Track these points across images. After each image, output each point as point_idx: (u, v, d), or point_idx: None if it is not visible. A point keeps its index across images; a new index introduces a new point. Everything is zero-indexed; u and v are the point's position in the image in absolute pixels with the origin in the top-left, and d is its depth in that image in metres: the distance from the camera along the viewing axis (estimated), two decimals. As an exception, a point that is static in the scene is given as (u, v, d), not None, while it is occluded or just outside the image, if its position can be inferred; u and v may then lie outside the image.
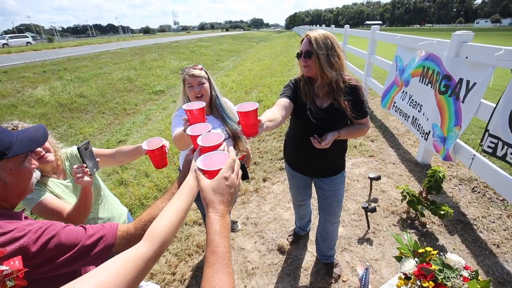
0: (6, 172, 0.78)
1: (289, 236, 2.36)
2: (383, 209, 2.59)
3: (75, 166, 1.17)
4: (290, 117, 1.64)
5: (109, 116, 6.99)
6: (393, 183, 2.98)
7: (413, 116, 3.22)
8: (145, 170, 3.76)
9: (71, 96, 7.74)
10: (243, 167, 2.19)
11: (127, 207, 2.98)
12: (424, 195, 2.33)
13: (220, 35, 45.13)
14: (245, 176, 2.22)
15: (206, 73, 1.65)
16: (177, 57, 15.23)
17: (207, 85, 1.64)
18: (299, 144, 1.67)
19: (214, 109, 1.76)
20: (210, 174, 0.68)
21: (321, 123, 1.47)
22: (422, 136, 2.97)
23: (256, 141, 4.36)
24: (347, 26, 7.79)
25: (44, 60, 12.86)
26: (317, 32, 1.39)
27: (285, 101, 1.45)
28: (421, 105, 3.06)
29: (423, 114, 2.99)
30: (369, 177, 2.72)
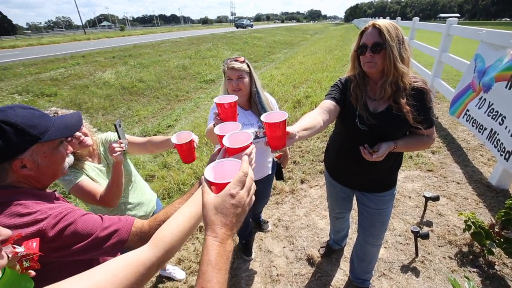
0: (39, 155, 0.80)
1: (321, 247, 2.18)
2: (438, 236, 2.21)
3: (113, 143, 1.24)
4: (337, 119, 1.45)
5: (162, 101, 7.46)
6: (454, 207, 2.53)
7: (491, 129, 2.67)
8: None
9: (132, 80, 8.46)
10: (279, 167, 2.07)
11: (166, 191, 3.13)
12: (496, 229, 1.89)
13: (274, 26, 44.74)
14: (279, 176, 2.10)
15: (248, 66, 1.55)
16: (230, 47, 15.52)
17: (247, 79, 1.53)
18: (343, 152, 1.47)
19: (253, 105, 1.65)
20: (218, 187, 0.57)
21: (373, 130, 1.25)
22: (501, 155, 2.44)
23: (298, 139, 4.16)
24: (416, 18, 6.90)
25: (114, 47, 14.36)
26: (385, 21, 1.16)
27: (330, 103, 1.26)
28: (504, 117, 2.51)
29: (506, 128, 2.45)
30: (424, 196, 2.34)
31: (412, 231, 1.95)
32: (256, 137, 1.47)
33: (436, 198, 2.30)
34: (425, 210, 2.43)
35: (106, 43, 17.99)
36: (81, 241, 0.77)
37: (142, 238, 0.82)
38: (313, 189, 2.96)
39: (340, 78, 1.39)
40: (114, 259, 0.61)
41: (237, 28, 38.87)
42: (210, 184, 0.58)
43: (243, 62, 1.52)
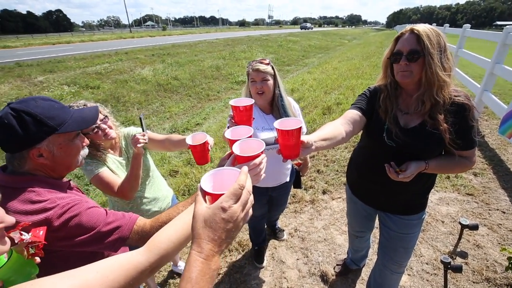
0: (55, 146, 0.83)
1: (337, 265, 2.05)
2: (473, 270, 1.96)
3: (137, 134, 1.30)
4: (362, 132, 1.34)
5: (193, 100, 7.70)
6: (496, 239, 2.23)
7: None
8: (211, 155, 3.95)
9: (167, 77, 8.85)
10: (298, 175, 1.99)
11: (187, 187, 3.19)
12: (547, 271, 1.63)
13: (312, 30, 44.18)
14: (297, 185, 2.01)
15: (273, 68, 1.50)
16: (264, 50, 15.60)
17: (271, 82, 1.49)
18: (367, 168, 1.36)
19: (275, 109, 1.60)
20: (213, 198, 0.53)
21: (402, 148, 1.14)
22: (560, 185, 2.11)
23: (324, 147, 4.01)
24: (466, 25, 6.32)
25: (155, 45, 15.18)
26: (425, 26, 1.05)
27: (355, 113, 1.16)
28: None
29: None
30: (460, 223, 2.10)
31: (442, 261, 1.75)
32: (272, 143, 1.42)
33: (474, 227, 2.05)
34: (459, 239, 2.17)
35: (148, 41, 19.11)
36: (84, 233, 0.78)
37: (143, 237, 0.82)
38: (335, 201, 2.82)
39: (369, 87, 1.28)
40: (107, 259, 0.60)
41: (301, 29, 47.30)
42: (204, 193, 0.54)
43: (268, 64, 1.48)
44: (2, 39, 30.68)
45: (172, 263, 2.18)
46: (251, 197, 0.55)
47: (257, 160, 0.70)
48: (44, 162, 0.82)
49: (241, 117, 0.99)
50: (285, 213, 2.70)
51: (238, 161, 0.73)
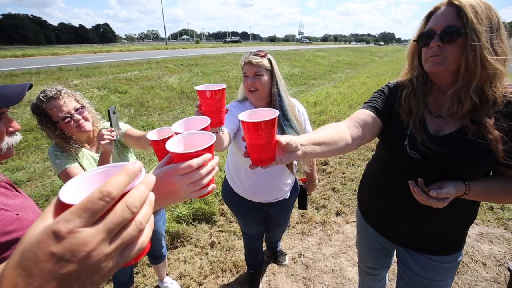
0: None
1: (345, 304, 1.69)
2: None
3: (103, 129, 1.13)
4: (379, 141, 1.05)
5: (214, 108, 7.69)
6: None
7: None
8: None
9: (192, 86, 9.00)
10: (303, 193, 1.70)
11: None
12: None
13: (341, 47, 43.77)
14: (302, 205, 1.72)
15: (270, 62, 1.27)
16: (291, 63, 15.52)
17: (265, 78, 1.25)
18: (383, 187, 1.05)
19: None
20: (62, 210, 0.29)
21: (431, 161, 0.84)
22: None
23: (344, 163, 3.65)
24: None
25: (185, 56, 15.80)
26: None
27: (366, 114, 0.89)
28: None
29: None
30: (509, 268, 1.65)
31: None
32: None
33: (528, 276, 1.59)
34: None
35: (180, 52, 19.98)
36: None
37: None
38: (349, 225, 2.45)
39: (388, 83, 1.00)
40: None
41: (349, 43, 49.27)
42: (60, 204, 0.31)
43: (263, 56, 1.26)
44: (55, 47, 34.15)
45: (158, 278, 1.97)
46: (145, 218, 0.31)
47: (193, 162, 0.46)
48: None
49: (209, 105, 0.77)
50: (291, 233, 2.39)
51: (174, 160, 0.50)
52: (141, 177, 0.32)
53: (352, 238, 2.29)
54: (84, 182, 0.35)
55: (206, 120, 0.62)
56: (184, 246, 2.28)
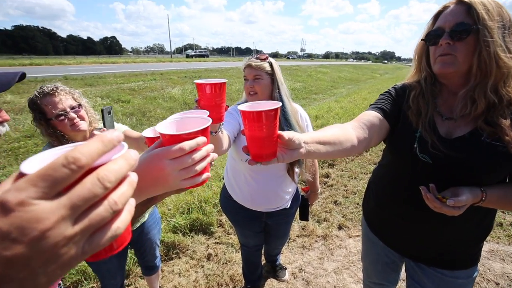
0: None
1: (348, 324, 1.58)
2: None
3: (95, 130, 1.09)
4: (386, 146, 1.01)
5: (215, 119, 7.71)
6: None
7: None
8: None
9: (194, 97, 9.07)
10: (304, 203, 1.63)
11: (187, 205, 2.91)
12: None
13: (343, 63, 44.60)
14: (303, 216, 1.65)
15: (271, 66, 1.24)
16: (293, 78, 15.73)
17: (265, 82, 1.22)
18: (390, 194, 0.99)
19: None
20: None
21: (443, 166, 0.78)
22: None
23: (346, 176, 3.58)
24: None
25: (189, 69, 16.06)
26: None
27: (373, 116, 0.85)
28: None
29: None
30: (523, 289, 1.55)
31: None
32: None
33: (545, 298, 1.49)
34: (523, 311, 1.60)
35: (184, 65, 20.36)
36: None
37: None
38: (351, 240, 2.35)
39: (395, 85, 0.96)
40: None
41: (346, 60, 51.82)
42: (19, 177, 0.26)
43: (264, 60, 1.23)
44: (62, 58, 34.95)
45: (149, 291, 1.86)
46: (122, 198, 0.25)
47: (185, 144, 0.42)
48: None
49: (208, 100, 0.73)
50: (291, 247, 2.29)
51: (164, 143, 0.45)
52: (122, 152, 0.27)
53: (356, 253, 2.19)
54: (55, 156, 0.30)
55: (206, 120, 0.56)
56: (180, 258, 2.18)
